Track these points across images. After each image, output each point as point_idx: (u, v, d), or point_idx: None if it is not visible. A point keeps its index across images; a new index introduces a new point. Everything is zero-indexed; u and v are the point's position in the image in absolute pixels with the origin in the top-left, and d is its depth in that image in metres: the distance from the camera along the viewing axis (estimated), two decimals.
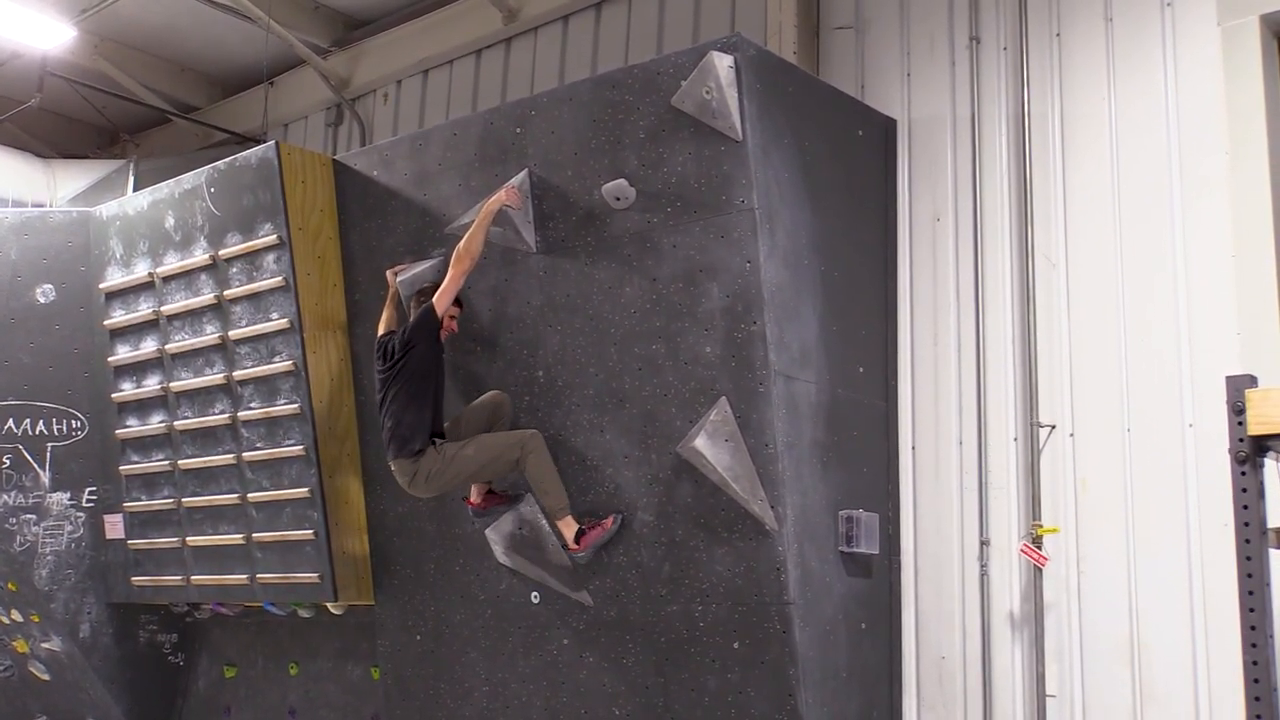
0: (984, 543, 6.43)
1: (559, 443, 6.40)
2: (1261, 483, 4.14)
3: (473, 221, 6.33)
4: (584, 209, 6.27)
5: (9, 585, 8.38)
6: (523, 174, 6.44)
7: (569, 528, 6.13)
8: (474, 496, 6.49)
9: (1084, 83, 6.45)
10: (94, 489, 8.43)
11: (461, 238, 6.30)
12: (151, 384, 8.05)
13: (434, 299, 6.29)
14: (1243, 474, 4.10)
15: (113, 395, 8.28)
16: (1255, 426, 4.09)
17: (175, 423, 7.90)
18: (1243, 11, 5.95)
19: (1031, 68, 6.61)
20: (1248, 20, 5.93)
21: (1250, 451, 4.10)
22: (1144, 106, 6.22)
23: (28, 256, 8.48)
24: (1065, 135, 6.48)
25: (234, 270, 7.51)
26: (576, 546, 6.11)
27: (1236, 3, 5.98)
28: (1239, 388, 4.14)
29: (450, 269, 6.27)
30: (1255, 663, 4.00)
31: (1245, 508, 4.07)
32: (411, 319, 6.39)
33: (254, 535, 7.50)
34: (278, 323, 7.25)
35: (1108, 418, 6.14)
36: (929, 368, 6.74)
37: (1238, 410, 4.12)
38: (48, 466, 8.40)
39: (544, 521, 6.46)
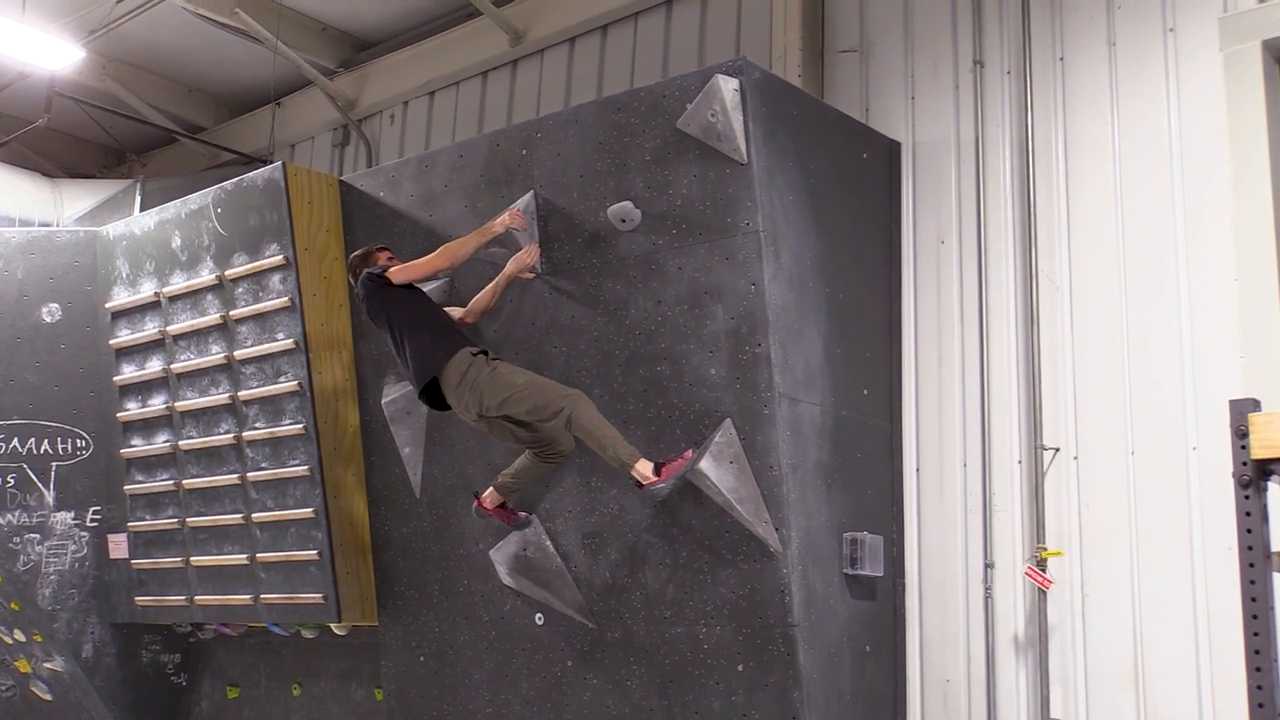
0: (988, 565, 6.43)
1: (564, 464, 6.40)
2: (1265, 506, 4.15)
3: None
4: (589, 231, 6.29)
5: (12, 605, 8.38)
6: (528, 196, 6.47)
7: (645, 466, 5.68)
8: (486, 500, 6.42)
9: (1087, 106, 6.48)
10: (98, 508, 8.44)
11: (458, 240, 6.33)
12: (157, 404, 8.07)
13: (392, 269, 6.28)
14: (1246, 498, 4.10)
15: (118, 415, 8.29)
16: (1258, 450, 4.10)
17: (180, 442, 7.92)
18: (1245, 37, 5.98)
19: (1035, 91, 6.64)
20: (1250, 45, 5.95)
21: (1253, 475, 4.10)
22: (1147, 130, 6.25)
23: (34, 275, 8.51)
24: (1069, 159, 6.50)
25: (240, 290, 7.54)
26: (657, 478, 5.63)
27: (1238, 28, 6.01)
28: (1242, 411, 4.15)
29: (429, 256, 6.26)
30: (1260, 687, 4.00)
31: (1249, 531, 4.08)
32: (360, 292, 6.41)
33: (258, 556, 7.50)
34: (283, 343, 7.27)
35: (1111, 441, 6.14)
36: (933, 390, 6.75)
37: (1241, 434, 4.13)
38: (52, 486, 8.40)
39: (549, 543, 6.46)
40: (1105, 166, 6.36)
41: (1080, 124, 6.49)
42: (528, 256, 6.36)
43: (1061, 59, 6.62)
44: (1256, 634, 4.02)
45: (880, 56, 7.33)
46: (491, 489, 6.41)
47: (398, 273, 6.27)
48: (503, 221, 6.29)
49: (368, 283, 6.32)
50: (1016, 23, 6.77)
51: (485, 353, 6.10)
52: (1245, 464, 4.11)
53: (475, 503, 6.45)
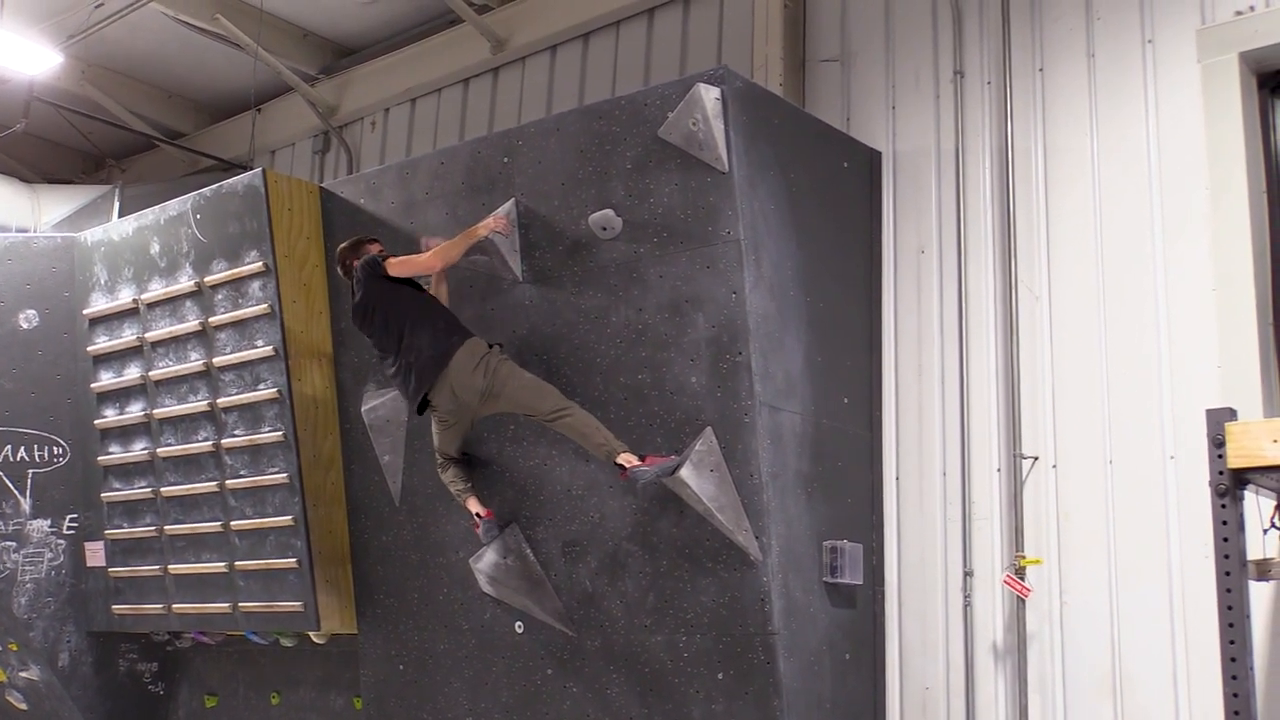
0: (967, 573, 6.45)
1: (544, 472, 6.41)
2: (1241, 515, 4.18)
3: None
4: (571, 239, 6.29)
5: None
6: (509, 203, 6.46)
7: (631, 456, 5.78)
8: (482, 510, 6.43)
9: (1066, 117, 6.51)
10: (75, 516, 8.38)
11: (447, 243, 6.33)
12: (135, 410, 8.03)
13: (386, 261, 6.33)
14: (1222, 506, 4.14)
15: (95, 422, 8.25)
16: (1235, 459, 4.14)
17: (158, 450, 7.88)
18: (1222, 49, 6.02)
19: (1015, 102, 6.67)
20: (1227, 57, 6.00)
21: (1230, 484, 4.14)
22: (1125, 141, 6.29)
23: (11, 282, 8.45)
24: (1048, 169, 6.53)
25: (219, 297, 7.51)
26: (641, 462, 5.73)
27: (1216, 40, 6.05)
28: (1219, 421, 4.19)
29: (425, 256, 6.31)
30: (1236, 695, 4.03)
31: (1225, 540, 4.12)
32: (358, 277, 6.40)
33: (236, 563, 7.47)
34: (263, 350, 7.25)
35: (1090, 449, 6.17)
36: (913, 399, 6.77)
37: (1218, 443, 4.17)
38: (28, 493, 8.35)
39: (529, 551, 6.46)
40: (1085, 177, 6.40)
41: (1060, 134, 6.52)
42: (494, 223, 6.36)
43: (1041, 70, 6.65)
44: (1233, 641, 4.06)
45: (861, 66, 7.36)
46: (472, 500, 6.43)
47: (396, 266, 6.31)
48: (487, 225, 6.30)
49: (366, 270, 6.35)
50: (997, 34, 6.80)
51: (502, 346, 6.25)
52: (1222, 473, 4.15)
53: (478, 524, 6.41)
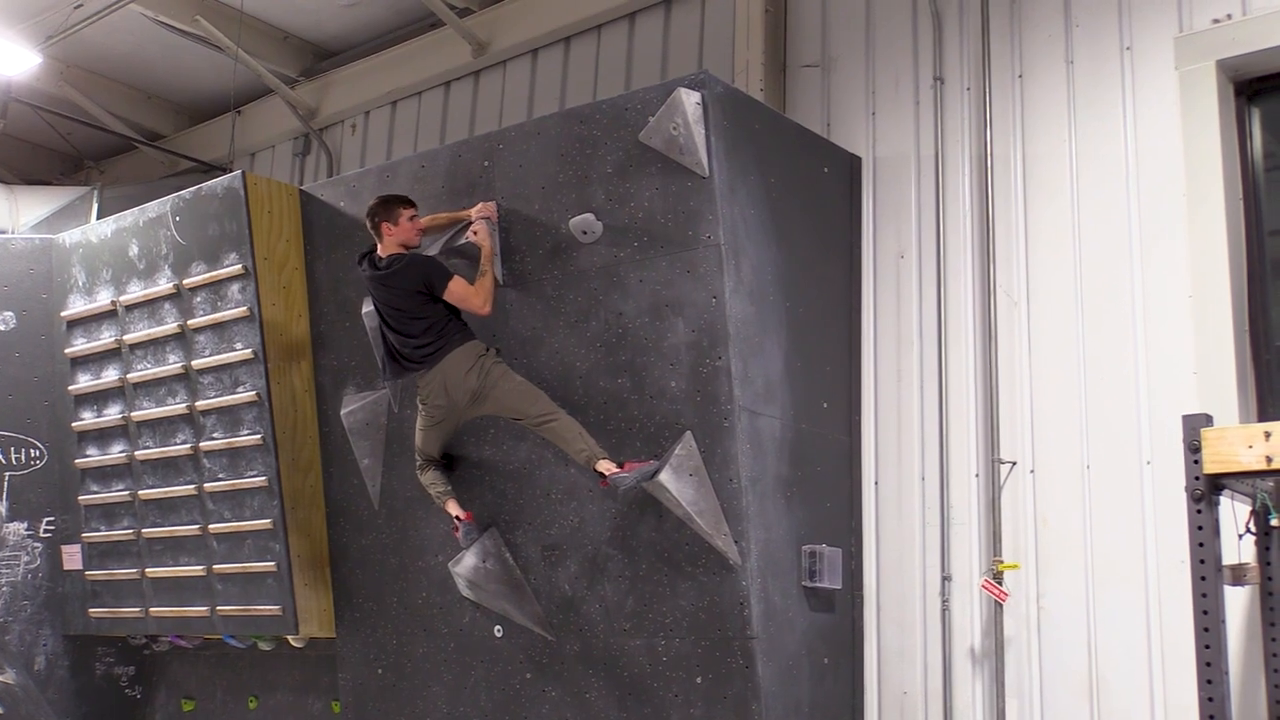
0: (945, 578, 6.46)
1: (524, 476, 6.40)
2: (1216, 520, 4.22)
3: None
4: (551, 243, 6.29)
5: None
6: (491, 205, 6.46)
7: (609, 463, 5.87)
8: (460, 513, 6.42)
9: (1045, 123, 6.54)
10: (52, 519, 8.34)
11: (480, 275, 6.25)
12: (113, 413, 7.99)
13: (451, 292, 6.14)
14: (1198, 512, 4.17)
15: (73, 424, 8.20)
16: (1211, 465, 4.17)
17: (136, 453, 7.84)
18: (1200, 56, 6.06)
19: (994, 108, 6.70)
20: (1204, 65, 6.04)
21: (1206, 490, 4.17)
22: (1104, 148, 6.32)
23: None
24: (1027, 175, 6.56)
25: (198, 299, 7.48)
26: (620, 469, 5.81)
27: (1193, 48, 6.09)
28: (1195, 427, 4.23)
29: (476, 298, 6.14)
30: (1211, 699, 4.06)
31: (1201, 545, 4.15)
32: (400, 266, 6.20)
33: (215, 567, 7.44)
34: (242, 353, 7.22)
35: (1067, 455, 6.19)
36: (892, 403, 6.78)
37: (1194, 449, 4.20)
38: (5, 496, 8.30)
39: (508, 555, 6.45)
40: (1063, 183, 6.43)
41: (1038, 140, 6.55)
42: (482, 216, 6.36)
43: (1020, 76, 6.68)
44: (1208, 646, 4.09)
45: (842, 71, 7.38)
46: (451, 503, 6.42)
47: (452, 297, 6.15)
48: (488, 248, 6.27)
49: (411, 271, 6.16)
50: (976, 40, 6.83)
51: (499, 350, 6.28)
52: (1198, 478, 4.18)
53: (458, 527, 6.40)
